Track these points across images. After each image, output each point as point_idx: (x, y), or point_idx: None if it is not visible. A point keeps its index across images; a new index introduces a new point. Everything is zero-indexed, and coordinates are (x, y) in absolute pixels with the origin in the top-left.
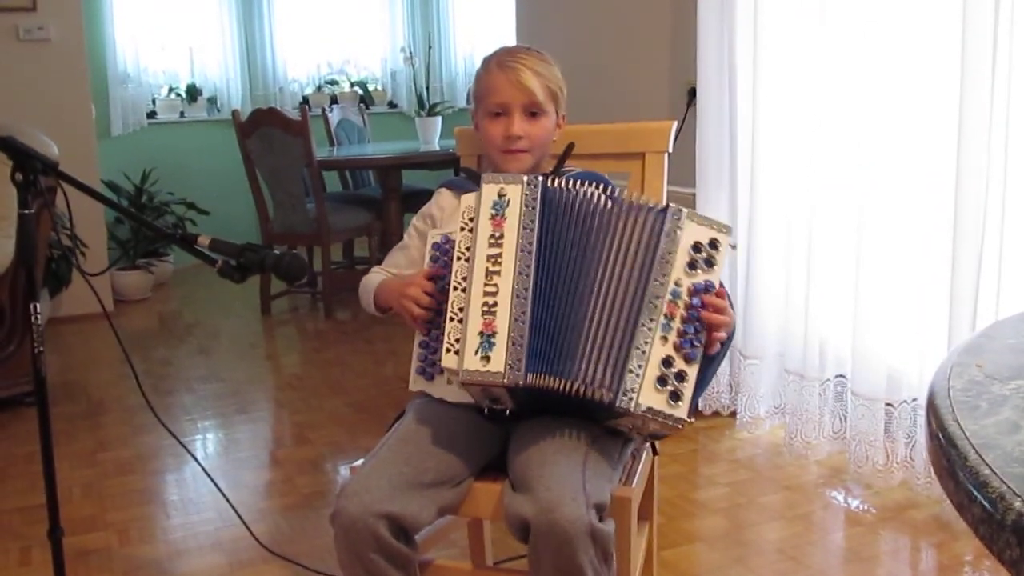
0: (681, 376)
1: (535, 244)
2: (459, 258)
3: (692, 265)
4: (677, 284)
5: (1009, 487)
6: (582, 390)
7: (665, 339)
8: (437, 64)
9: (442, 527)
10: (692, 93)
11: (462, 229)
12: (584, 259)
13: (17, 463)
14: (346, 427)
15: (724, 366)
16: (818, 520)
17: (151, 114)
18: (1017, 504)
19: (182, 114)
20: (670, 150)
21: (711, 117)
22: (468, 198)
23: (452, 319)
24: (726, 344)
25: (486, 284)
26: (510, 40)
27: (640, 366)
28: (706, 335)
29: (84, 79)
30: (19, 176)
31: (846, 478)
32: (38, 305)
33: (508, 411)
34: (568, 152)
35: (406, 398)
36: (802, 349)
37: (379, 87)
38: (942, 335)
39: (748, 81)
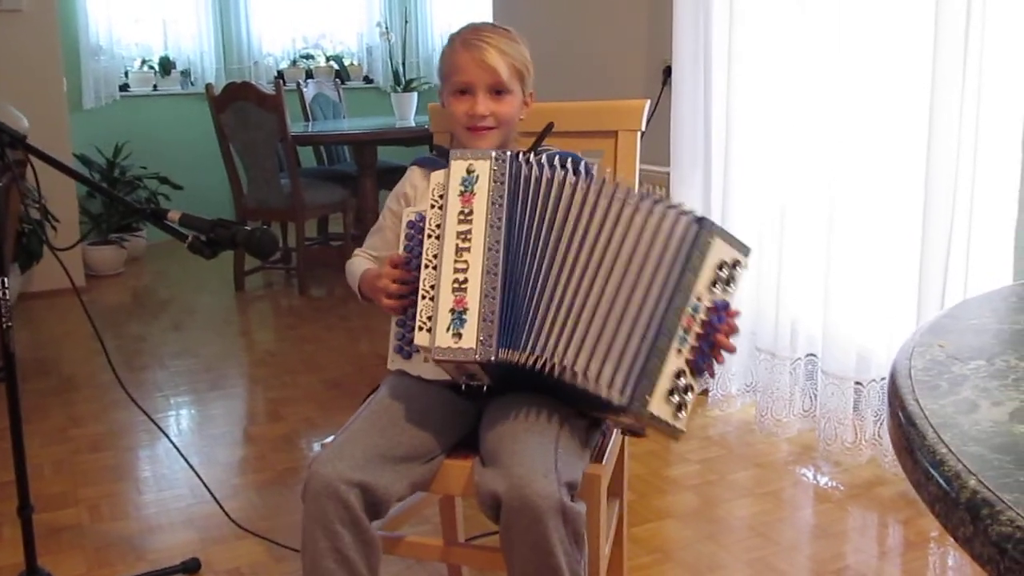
0: (688, 390)
1: (504, 220)
2: (430, 235)
3: (715, 283)
4: (698, 299)
5: (965, 466)
6: (579, 380)
7: (680, 351)
8: (413, 39)
9: (414, 504)
10: (667, 71)
11: (432, 206)
12: (560, 236)
13: None
14: (320, 404)
15: None
16: (788, 497)
17: (124, 87)
18: (972, 483)
19: (155, 87)
20: (643, 129)
21: (686, 96)
22: (438, 175)
23: (424, 297)
24: None
25: (456, 261)
26: (487, 16)
27: (656, 374)
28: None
29: (56, 50)
30: None
31: (815, 455)
32: (6, 280)
33: (485, 387)
34: (547, 131)
35: (381, 375)
36: (774, 328)
37: (355, 62)
38: (911, 316)
39: (723, 60)
